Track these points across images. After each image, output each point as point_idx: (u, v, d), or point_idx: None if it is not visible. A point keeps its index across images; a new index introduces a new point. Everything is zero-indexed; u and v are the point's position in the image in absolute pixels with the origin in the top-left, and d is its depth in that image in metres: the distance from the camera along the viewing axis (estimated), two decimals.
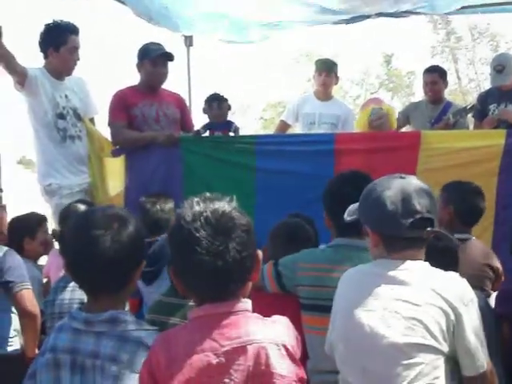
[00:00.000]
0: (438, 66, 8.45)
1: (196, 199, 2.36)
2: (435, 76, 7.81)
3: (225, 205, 2.35)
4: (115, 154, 6.31)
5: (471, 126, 7.65)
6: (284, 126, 7.99)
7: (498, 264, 4.56)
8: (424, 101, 8.03)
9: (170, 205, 5.37)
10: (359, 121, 7.29)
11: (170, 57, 6.47)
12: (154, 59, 6.37)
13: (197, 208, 2.32)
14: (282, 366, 2.27)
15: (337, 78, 7.90)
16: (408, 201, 2.95)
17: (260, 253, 2.43)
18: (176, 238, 2.37)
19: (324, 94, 7.80)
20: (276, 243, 4.10)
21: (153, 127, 6.38)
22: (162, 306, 4.12)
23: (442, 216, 4.57)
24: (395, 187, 2.98)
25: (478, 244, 4.74)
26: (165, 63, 6.45)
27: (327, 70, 7.74)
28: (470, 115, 7.59)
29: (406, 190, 2.96)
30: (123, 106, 6.32)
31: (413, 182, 3.01)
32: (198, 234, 2.26)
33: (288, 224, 4.28)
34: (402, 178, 3.03)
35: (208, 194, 2.39)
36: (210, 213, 2.30)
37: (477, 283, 3.95)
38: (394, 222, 2.96)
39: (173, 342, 2.35)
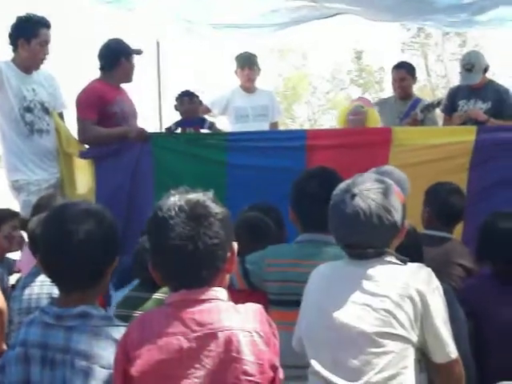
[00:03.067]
0: (406, 62, 8.50)
1: (173, 192, 2.45)
2: (403, 72, 7.86)
3: (200, 195, 2.43)
4: (84, 156, 6.25)
5: (440, 122, 7.70)
6: (206, 110, 7.74)
7: (472, 265, 4.55)
8: (393, 97, 8.07)
9: None
10: (339, 114, 7.37)
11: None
12: (135, 54, 6.51)
13: (172, 199, 2.41)
14: (253, 353, 2.31)
15: (259, 69, 7.97)
16: (340, 229, 3.04)
17: (235, 244, 2.49)
18: (152, 226, 2.45)
19: (250, 87, 7.87)
20: (237, 240, 4.06)
21: (130, 123, 6.39)
22: (128, 301, 4.13)
23: (422, 215, 4.80)
24: (342, 208, 2.99)
25: (455, 243, 4.77)
26: None
27: (249, 64, 7.80)
28: (439, 111, 7.65)
29: (346, 217, 2.97)
30: (98, 102, 6.25)
31: (360, 206, 2.95)
32: (171, 222, 2.35)
33: (246, 220, 4.26)
34: (353, 195, 2.97)
35: (186, 188, 2.46)
36: (184, 202, 2.39)
37: (446, 280, 3.96)
38: (336, 238, 3.12)
39: (147, 323, 2.40)
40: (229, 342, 2.28)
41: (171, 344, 2.30)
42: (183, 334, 2.30)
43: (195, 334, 2.30)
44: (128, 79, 6.57)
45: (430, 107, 7.28)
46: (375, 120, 6.99)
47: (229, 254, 2.44)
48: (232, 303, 2.42)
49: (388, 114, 7.70)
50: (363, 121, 6.82)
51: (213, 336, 2.29)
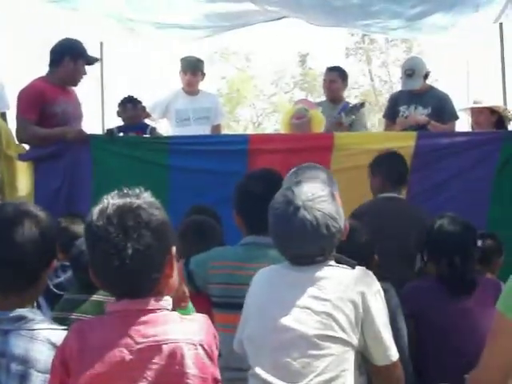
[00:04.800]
0: (340, 66, 8.52)
1: (110, 195, 2.34)
2: (334, 75, 8.04)
3: (134, 201, 2.31)
4: (23, 158, 6.16)
5: (368, 122, 7.83)
6: (146, 115, 7.53)
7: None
8: (325, 101, 8.15)
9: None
10: (283, 117, 7.39)
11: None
12: (88, 60, 6.38)
13: (105, 205, 2.30)
14: (197, 366, 2.26)
15: (203, 74, 7.93)
16: (287, 242, 3.05)
17: (173, 248, 2.40)
18: (85, 235, 2.37)
19: (192, 91, 7.84)
20: (184, 242, 4.06)
21: (72, 125, 6.28)
22: (66, 303, 4.09)
23: (372, 184, 5.44)
24: (287, 221, 2.99)
25: (404, 200, 5.47)
26: None
27: (192, 69, 7.76)
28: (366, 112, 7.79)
29: (293, 230, 2.98)
30: (39, 101, 6.13)
31: (307, 219, 2.96)
32: (100, 233, 2.25)
33: (195, 222, 4.26)
34: (297, 207, 2.97)
35: (125, 190, 2.36)
36: (114, 210, 2.28)
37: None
38: (281, 251, 3.11)
39: (87, 333, 2.31)
40: (173, 355, 2.23)
41: (113, 356, 2.22)
42: (126, 346, 2.23)
43: (139, 347, 2.23)
44: (72, 81, 6.40)
45: (354, 110, 7.43)
46: (320, 121, 6.88)
47: (167, 259, 2.36)
48: (177, 313, 2.37)
49: None
50: (307, 123, 6.72)
51: (157, 348, 2.24)
